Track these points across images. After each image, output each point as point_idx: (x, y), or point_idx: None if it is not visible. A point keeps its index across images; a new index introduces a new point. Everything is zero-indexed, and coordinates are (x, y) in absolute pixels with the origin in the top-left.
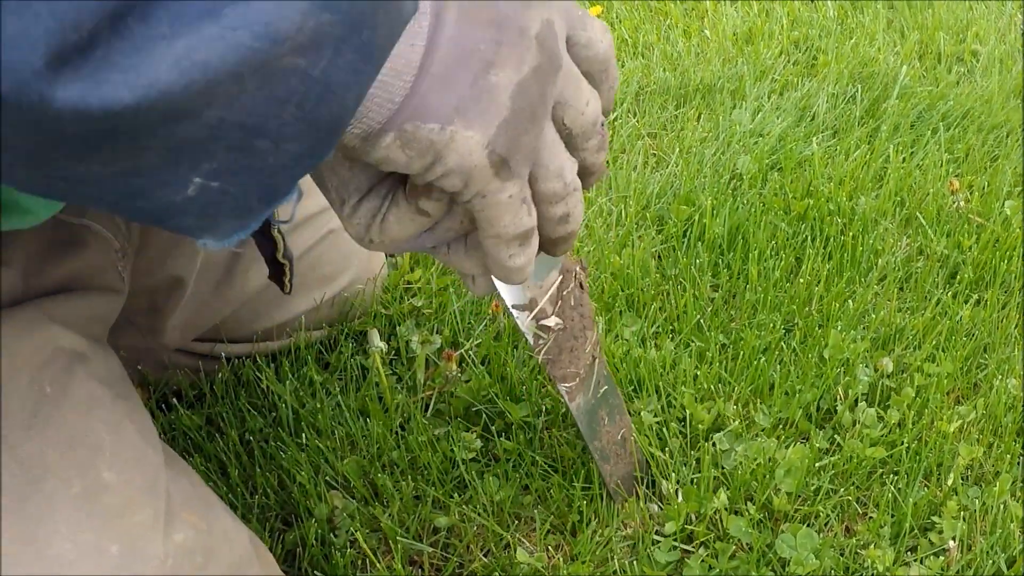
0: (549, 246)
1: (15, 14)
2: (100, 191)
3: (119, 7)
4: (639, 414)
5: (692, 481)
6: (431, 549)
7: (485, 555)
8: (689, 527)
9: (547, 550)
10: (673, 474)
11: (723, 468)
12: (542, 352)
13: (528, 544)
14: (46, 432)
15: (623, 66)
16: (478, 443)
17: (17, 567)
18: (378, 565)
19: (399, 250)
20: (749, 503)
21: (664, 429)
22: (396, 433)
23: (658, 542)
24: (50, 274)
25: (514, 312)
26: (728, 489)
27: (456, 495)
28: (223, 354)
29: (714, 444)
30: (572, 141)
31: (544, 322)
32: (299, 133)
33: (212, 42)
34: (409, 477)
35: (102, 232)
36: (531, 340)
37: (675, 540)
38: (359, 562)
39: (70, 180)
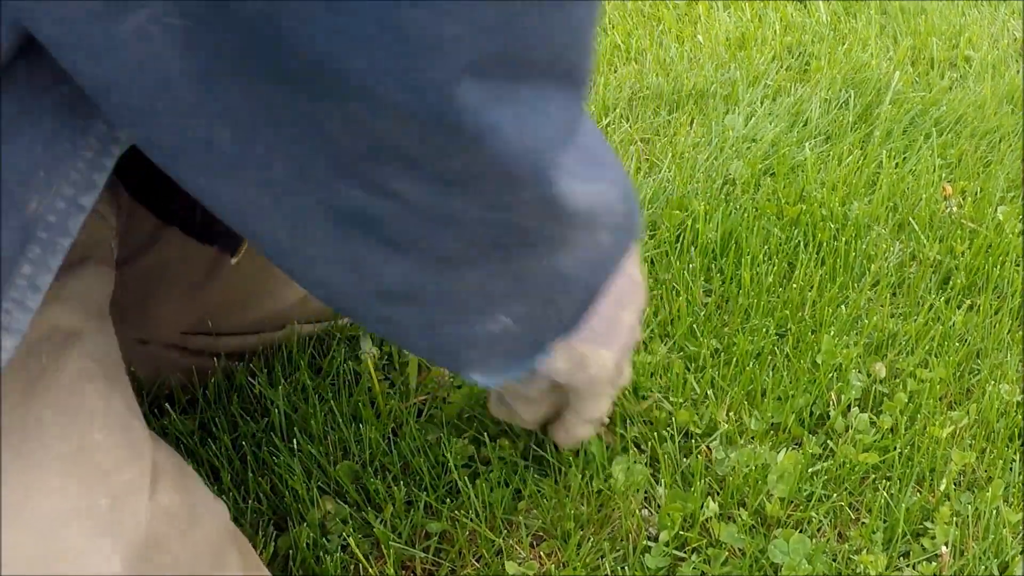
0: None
1: None
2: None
3: None
4: (630, 419)
5: (684, 485)
6: (423, 554)
7: (477, 560)
8: (683, 533)
9: (539, 557)
10: (665, 480)
11: (717, 474)
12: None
13: (520, 550)
14: (44, 397)
15: (616, 72)
16: (471, 448)
17: (12, 517)
18: (370, 570)
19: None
20: (741, 508)
21: (655, 435)
22: (388, 438)
23: (649, 548)
24: None
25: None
26: (720, 495)
27: (448, 500)
28: (216, 352)
29: (709, 448)
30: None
31: None
32: (588, 297)
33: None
34: (401, 482)
35: (99, 208)
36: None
37: (666, 546)
38: (351, 567)
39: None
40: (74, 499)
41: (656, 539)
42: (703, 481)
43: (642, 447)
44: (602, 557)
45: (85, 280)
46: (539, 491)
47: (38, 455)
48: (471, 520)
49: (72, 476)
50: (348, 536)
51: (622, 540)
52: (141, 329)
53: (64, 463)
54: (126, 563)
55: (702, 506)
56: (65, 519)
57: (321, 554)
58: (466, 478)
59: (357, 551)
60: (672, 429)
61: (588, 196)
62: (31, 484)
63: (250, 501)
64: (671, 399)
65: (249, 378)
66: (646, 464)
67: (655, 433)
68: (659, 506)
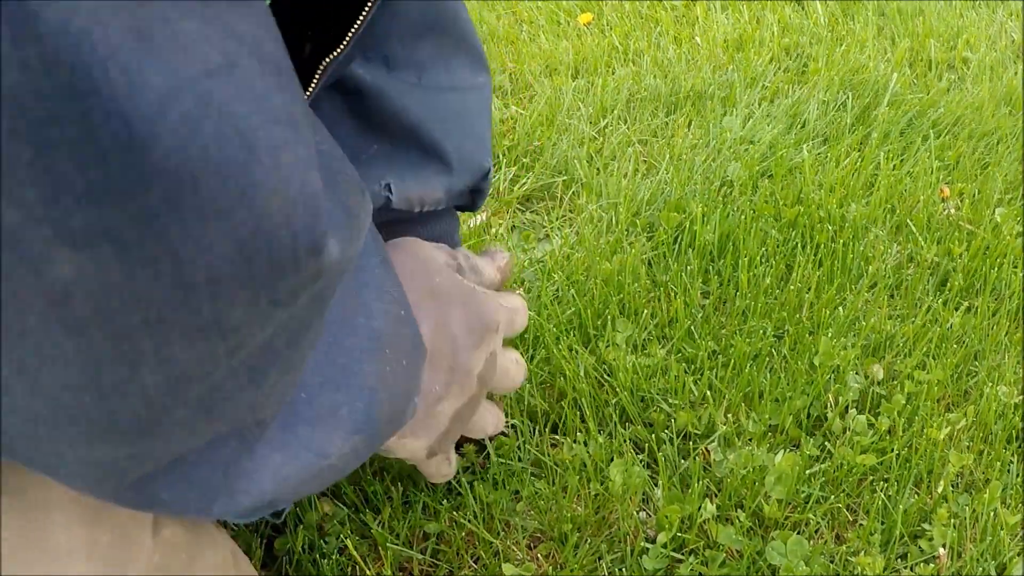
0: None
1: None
2: None
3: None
4: (629, 420)
5: (682, 487)
6: (421, 556)
7: (475, 562)
8: (681, 535)
9: (536, 559)
10: (663, 482)
11: (715, 476)
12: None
13: (517, 552)
14: None
15: (613, 73)
16: (471, 449)
17: (16, 558)
18: (368, 572)
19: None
20: (739, 510)
21: (654, 437)
22: None
23: (647, 549)
24: None
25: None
26: (718, 496)
27: (446, 501)
28: None
29: (707, 450)
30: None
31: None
32: (319, 486)
33: (290, 461)
34: (399, 483)
35: None
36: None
37: (664, 548)
38: (349, 569)
39: None
40: (77, 536)
41: (654, 541)
42: (701, 483)
43: (640, 448)
44: (599, 559)
45: None
46: (536, 492)
47: (42, 492)
48: (469, 521)
49: (75, 513)
50: (346, 538)
51: (619, 542)
52: None
53: (67, 500)
54: None
55: (699, 508)
56: (68, 556)
57: (318, 556)
58: (464, 479)
59: (355, 553)
60: (671, 431)
61: None
62: (33, 523)
63: None
64: (670, 401)
65: None
66: (644, 466)
67: (653, 435)
68: (656, 508)
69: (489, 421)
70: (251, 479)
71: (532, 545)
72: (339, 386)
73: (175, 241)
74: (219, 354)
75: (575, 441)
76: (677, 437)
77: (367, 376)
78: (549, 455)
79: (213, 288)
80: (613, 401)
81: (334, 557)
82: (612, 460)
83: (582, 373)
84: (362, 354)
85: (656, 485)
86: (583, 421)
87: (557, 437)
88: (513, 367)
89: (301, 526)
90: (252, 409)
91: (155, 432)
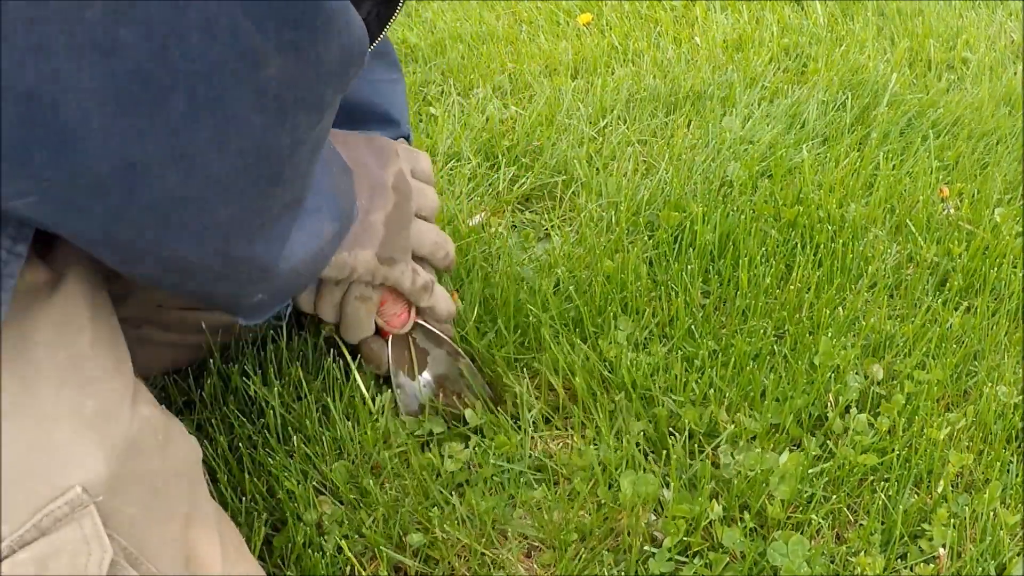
0: (443, 271)
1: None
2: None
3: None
4: (630, 420)
5: (690, 488)
6: (412, 562)
7: (468, 572)
8: (686, 539)
9: (534, 569)
10: (674, 484)
11: (723, 477)
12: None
13: (514, 560)
14: (40, 313)
15: (613, 73)
16: (465, 452)
17: (10, 419)
18: (364, 572)
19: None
20: (744, 512)
21: (659, 437)
22: (385, 438)
23: (653, 554)
24: None
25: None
26: (723, 498)
27: (437, 509)
28: (192, 329)
29: (716, 451)
30: (428, 218)
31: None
32: (316, 272)
33: (307, 237)
34: (396, 482)
35: None
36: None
37: (669, 551)
38: (347, 568)
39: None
40: (65, 402)
41: (660, 544)
42: (708, 484)
43: (649, 449)
44: (600, 562)
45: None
46: (537, 499)
47: (33, 364)
48: (462, 532)
49: (63, 382)
50: (341, 539)
51: (624, 552)
52: (120, 302)
53: (56, 371)
54: (109, 460)
55: (705, 509)
56: (55, 418)
57: (316, 555)
58: (464, 481)
59: (349, 553)
60: (680, 434)
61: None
62: (25, 389)
63: (246, 502)
64: (673, 398)
65: (243, 379)
66: (654, 460)
67: (662, 438)
68: (664, 509)
69: (431, 240)
70: (294, 249)
71: (532, 553)
72: (316, 192)
73: (321, 46)
74: (313, 125)
75: (582, 436)
76: (681, 435)
77: (327, 185)
78: (551, 455)
79: (327, 74)
80: (616, 399)
81: (331, 555)
82: (620, 468)
83: (581, 365)
84: (320, 173)
85: (667, 487)
86: (590, 419)
87: (554, 433)
88: (428, 189)
89: (301, 523)
90: (305, 188)
91: (276, 184)
